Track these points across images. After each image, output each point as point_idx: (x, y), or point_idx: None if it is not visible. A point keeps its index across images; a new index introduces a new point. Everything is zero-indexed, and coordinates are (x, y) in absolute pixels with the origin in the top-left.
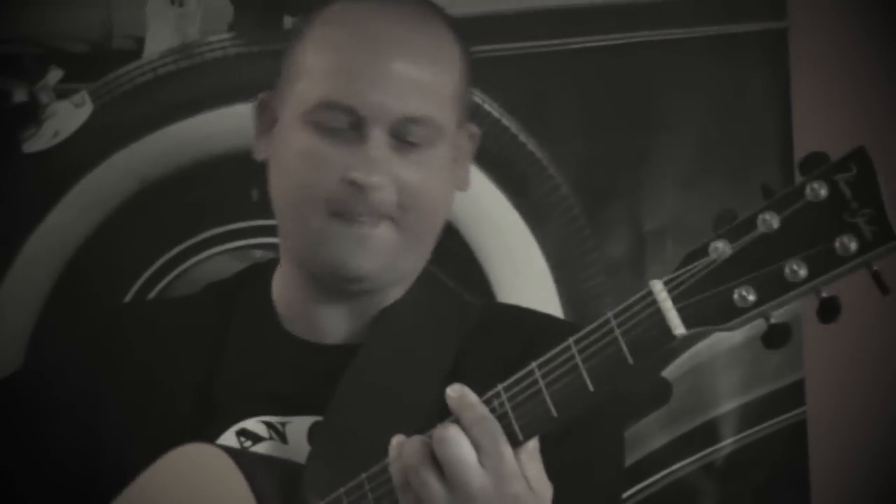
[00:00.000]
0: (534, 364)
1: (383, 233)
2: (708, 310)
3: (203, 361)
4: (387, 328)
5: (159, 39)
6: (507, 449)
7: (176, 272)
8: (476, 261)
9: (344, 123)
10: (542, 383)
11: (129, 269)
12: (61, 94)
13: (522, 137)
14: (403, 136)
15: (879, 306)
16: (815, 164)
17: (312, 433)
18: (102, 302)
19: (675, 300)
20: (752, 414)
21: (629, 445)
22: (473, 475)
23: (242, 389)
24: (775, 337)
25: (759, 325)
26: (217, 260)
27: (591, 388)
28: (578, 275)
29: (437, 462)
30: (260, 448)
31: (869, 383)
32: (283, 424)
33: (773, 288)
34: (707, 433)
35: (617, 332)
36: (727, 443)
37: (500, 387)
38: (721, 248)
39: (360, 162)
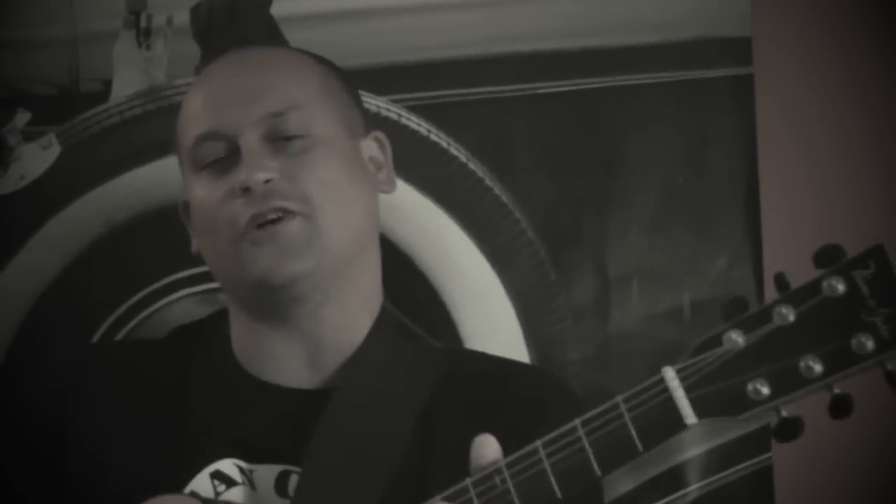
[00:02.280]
0: (538, 442)
1: (295, 226)
2: (721, 401)
3: (171, 403)
4: (357, 375)
5: (126, 82)
6: None
7: (142, 315)
8: (442, 304)
9: (221, 151)
10: (546, 463)
11: (96, 313)
12: (29, 137)
13: (488, 181)
14: (278, 134)
15: None
16: (832, 259)
17: (279, 482)
18: (69, 345)
19: (687, 389)
20: (718, 459)
21: None
22: None
23: (210, 432)
24: (786, 430)
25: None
26: (183, 303)
27: (598, 471)
28: (544, 319)
29: None
30: (234, 493)
31: (835, 429)
32: (251, 472)
33: (788, 382)
34: (673, 478)
35: (626, 416)
36: (693, 488)
37: (502, 462)
38: (734, 340)
39: (243, 170)
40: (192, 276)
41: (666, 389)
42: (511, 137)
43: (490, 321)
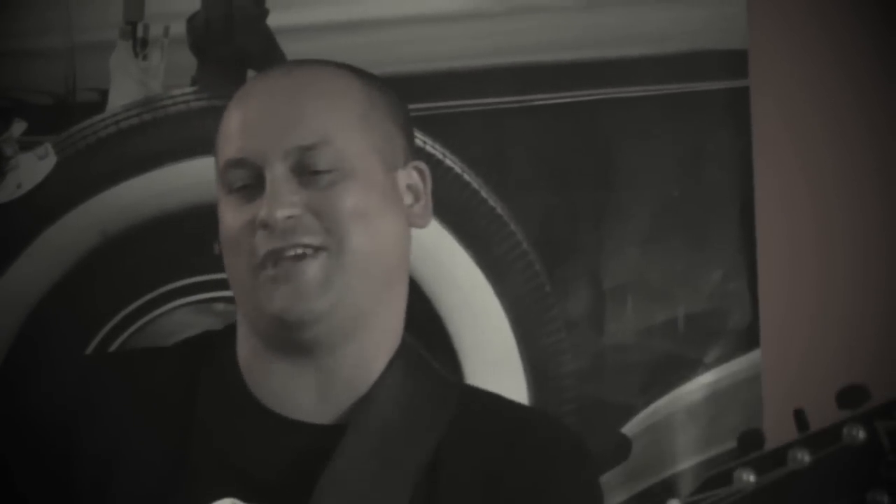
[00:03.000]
0: None
1: (315, 267)
2: None
3: (177, 418)
4: (368, 419)
5: (123, 92)
6: None
7: (137, 325)
8: (437, 315)
9: (249, 179)
10: None
11: (91, 322)
12: (24, 147)
13: (484, 193)
14: (307, 167)
15: (841, 362)
16: (856, 401)
17: None
18: (66, 354)
19: None
20: (711, 471)
21: None
22: None
23: (214, 461)
24: None
25: (718, 381)
26: (178, 313)
27: None
28: (538, 331)
29: None
30: None
31: None
32: None
33: None
34: (666, 490)
35: None
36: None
37: None
38: (746, 479)
39: (265, 204)
40: (188, 285)
41: None
42: (506, 149)
43: (484, 333)
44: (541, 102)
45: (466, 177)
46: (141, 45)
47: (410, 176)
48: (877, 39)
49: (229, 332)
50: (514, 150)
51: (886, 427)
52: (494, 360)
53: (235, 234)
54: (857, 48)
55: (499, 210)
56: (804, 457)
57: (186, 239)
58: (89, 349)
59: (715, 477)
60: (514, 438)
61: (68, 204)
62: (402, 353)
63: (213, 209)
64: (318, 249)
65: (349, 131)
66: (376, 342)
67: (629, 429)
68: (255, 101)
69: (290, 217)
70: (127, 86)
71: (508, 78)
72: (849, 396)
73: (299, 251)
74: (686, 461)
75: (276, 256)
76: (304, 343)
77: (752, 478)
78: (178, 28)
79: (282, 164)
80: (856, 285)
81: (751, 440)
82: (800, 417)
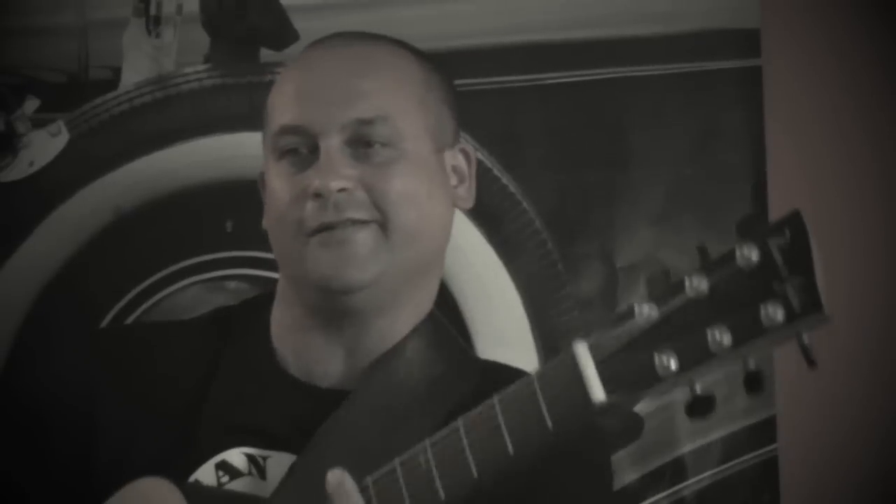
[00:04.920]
0: (460, 420)
1: (365, 236)
2: (629, 376)
3: (196, 386)
4: (379, 379)
5: (135, 70)
6: None
7: (150, 303)
8: (450, 294)
9: (303, 146)
10: (465, 442)
11: (103, 299)
12: (37, 124)
13: (496, 172)
14: (362, 141)
15: (850, 346)
16: (751, 226)
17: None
18: (77, 331)
19: (597, 364)
20: (723, 450)
21: None
22: None
23: (228, 420)
24: (698, 408)
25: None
26: (191, 291)
27: (510, 450)
28: (551, 309)
29: None
30: (237, 484)
31: (840, 421)
32: (265, 459)
33: (696, 356)
34: (678, 469)
35: (539, 394)
36: (698, 479)
37: (428, 441)
38: (647, 312)
39: (319, 174)
40: (200, 263)
41: (576, 366)
42: (519, 128)
43: (497, 311)
44: (553, 81)
45: (479, 155)
46: (154, 23)
47: (456, 157)
48: (890, 18)
49: (257, 305)
50: (527, 129)
51: (779, 244)
52: (506, 338)
53: (284, 203)
54: (870, 27)
55: (511, 188)
56: (701, 283)
57: (199, 216)
58: (102, 326)
59: (620, 314)
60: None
61: (81, 181)
62: (423, 326)
63: (226, 186)
64: (366, 223)
65: (407, 111)
66: (406, 319)
67: (642, 407)
68: (315, 71)
69: (342, 189)
70: (140, 63)
71: (521, 56)
72: (746, 224)
73: (351, 223)
74: (698, 440)
75: (329, 225)
76: (345, 310)
77: (654, 312)
78: (191, 6)
79: (338, 135)
80: (869, 264)
81: (656, 279)
82: (702, 252)
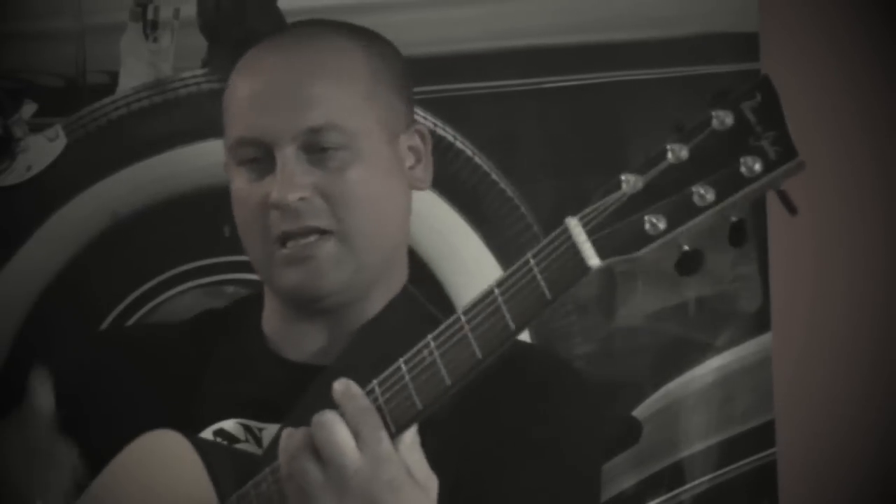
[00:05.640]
0: (459, 312)
1: (328, 249)
2: (620, 240)
3: (188, 379)
4: (356, 350)
5: (133, 75)
6: (384, 436)
7: (147, 308)
8: (447, 297)
9: (260, 154)
10: (467, 328)
11: (101, 304)
12: (35, 129)
13: (494, 176)
14: (315, 148)
15: (849, 348)
16: (723, 96)
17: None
18: (76, 335)
19: (589, 233)
20: (721, 455)
21: None
22: (349, 458)
23: (222, 395)
24: (688, 264)
25: (728, 365)
26: (188, 296)
27: (512, 326)
28: (549, 314)
29: (316, 449)
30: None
31: (838, 425)
32: (260, 430)
33: (683, 213)
34: (676, 474)
35: (535, 270)
36: (696, 483)
37: (430, 336)
38: (632, 181)
39: (276, 186)
40: (198, 268)
41: (569, 237)
42: (517, 132)
43: None
44: (552, 85)
45: (477, 159)
46: (151, 28)
47: (412, 138)
48: (890, 22)
49: (251, 301)
50: (525, 133)
51: (751, 106)
52: None
53: (249, 212)
54: (868, 31)
55: (509, 193)
56: (681, 149)
57: (197, 221)
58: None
59: (605, 188)
60: (512, 370)
61: (78, 186)
62: (399, 298)
63: (224, 191)
64: (328, 234)
65: (356, 109)
66: (383, 295)
67: (639, 412)
68: (262, 77)
69: (301, 199)
70: (137, 68)
71: (520, 61)
72: (718, 96)
73: (311, 238)
74: (697, 444)
75: (288, 237)
76: (318, 309)
77: (638, 181)
78: (189, 10)
79: (292, 143)
80: (868, 267)
81: (647, 160)
82: (678, 124)
